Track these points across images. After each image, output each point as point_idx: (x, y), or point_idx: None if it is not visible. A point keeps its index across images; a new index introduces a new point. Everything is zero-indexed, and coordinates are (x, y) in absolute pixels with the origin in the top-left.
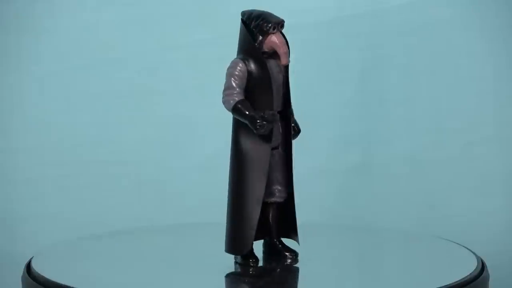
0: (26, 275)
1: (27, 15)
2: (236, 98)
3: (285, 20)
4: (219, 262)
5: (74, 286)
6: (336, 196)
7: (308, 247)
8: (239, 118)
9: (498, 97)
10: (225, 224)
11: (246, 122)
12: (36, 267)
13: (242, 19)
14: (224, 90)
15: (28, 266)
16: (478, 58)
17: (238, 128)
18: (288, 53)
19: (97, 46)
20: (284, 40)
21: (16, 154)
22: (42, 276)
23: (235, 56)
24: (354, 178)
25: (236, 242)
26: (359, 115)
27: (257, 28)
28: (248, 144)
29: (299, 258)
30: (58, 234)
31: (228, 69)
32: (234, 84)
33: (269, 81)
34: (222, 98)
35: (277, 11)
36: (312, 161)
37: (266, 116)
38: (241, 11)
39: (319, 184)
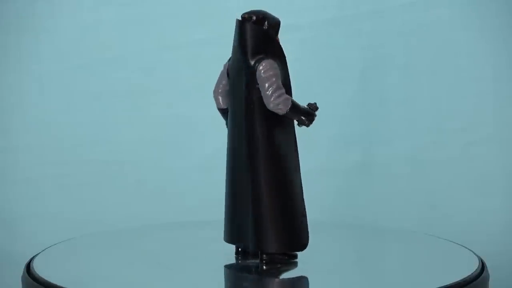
0: (26, 275)
1: (27, 15)
2: (289, 97)
3: (285, 19)
4: (223, 260)
5: (74, 286)
6: (336, 196)
7: (308, 246)
8: (292, 116)
9: (498, 97)
10: (274, 225)
11: (299, 117)
12: (36, 267)
13: (252, 20)
14: (274, 91)
15: (28, 266)
16: (478, 58)
17: (272, 126)
18: None
19: (97, 46)
20: None
21: (16, 154)
22: (42, 276)
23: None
24: (355, 178)
25: (301, 239)
26: (360, 115)
27: (273, 28)
28: (283, 140)
29: (299, 257)
30: (58, 234)
31: (267, 70)
32: (281, 84)
33: (289, 80)
34: (274, 99)
35: (278, 11)
36: (312, 160)
37: (314, 108)
38: (244, 13)
39: (319, 184)
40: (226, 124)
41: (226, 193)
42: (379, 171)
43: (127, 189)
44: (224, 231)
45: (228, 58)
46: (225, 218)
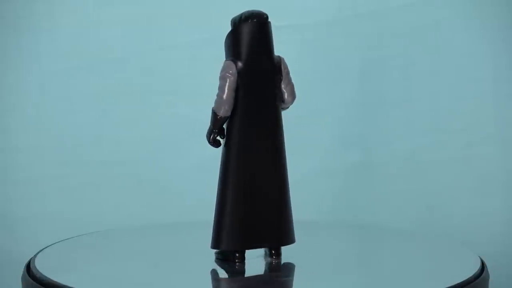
0: (26, 275)
1: (26, 15)
2: None
3: (285, 20)
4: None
5: (74, 286)
6: (336, 196)
7: (308, 247)
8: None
9: (498, 97)
10: (289, 218)
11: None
12: (36, 267)
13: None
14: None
15: (28, 266)
16: (478, 58)
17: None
18: None
19: (97, 46)
20: None
21: (16, 154)
22: (42, 276)
23: None
24: (354, 178)
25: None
26: (359, 115)
27: None
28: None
29: (299, 257)
30: (58, 234)
31: (287, 66)
32: None
33: None
34: (294, 93)
35: (278, 11)
36: (312, 161)
37: None
38: (264, 14)
39: (319, 184)
40: (215, 131)
41: (234, 197)
42: (379, 172)
43: (127, 189)
44: (231, 238)
45: (228, 62)
46: (232, 224)
